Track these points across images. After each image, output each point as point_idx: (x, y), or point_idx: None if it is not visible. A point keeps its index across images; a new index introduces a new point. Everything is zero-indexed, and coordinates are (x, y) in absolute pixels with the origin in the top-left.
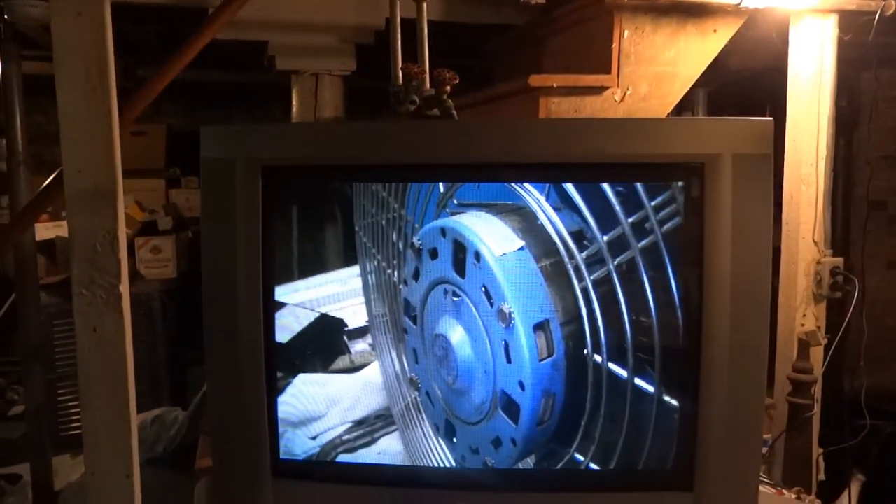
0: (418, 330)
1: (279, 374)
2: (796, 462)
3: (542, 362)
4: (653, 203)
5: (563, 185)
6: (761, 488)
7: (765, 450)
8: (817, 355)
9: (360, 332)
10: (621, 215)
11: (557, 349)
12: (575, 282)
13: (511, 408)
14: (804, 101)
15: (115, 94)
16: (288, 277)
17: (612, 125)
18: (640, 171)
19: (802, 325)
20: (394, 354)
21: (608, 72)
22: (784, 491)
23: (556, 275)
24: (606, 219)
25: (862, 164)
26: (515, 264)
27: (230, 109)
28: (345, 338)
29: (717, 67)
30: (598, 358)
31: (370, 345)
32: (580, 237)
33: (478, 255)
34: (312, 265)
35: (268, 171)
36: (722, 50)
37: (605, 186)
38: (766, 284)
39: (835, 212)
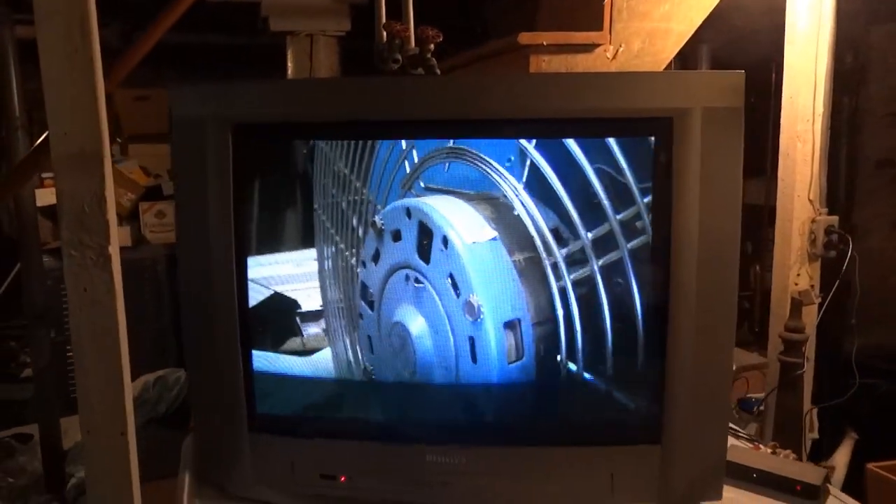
0: (374, 316)
1: (254, 333)
2: (787, 420)
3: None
4: (622, 162)
5: (535, 151)
6: (737, 442)
7: (757, 408)
8: (811, 314)
9: (314, 315)
10: (593, 177)
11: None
12: (550, 273)
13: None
14: (801, 55)
15: (98, 55)
16: (262, 240)
17: (579, 80)
18: (608, 126)
19: (796, 284)
20: (347, 341)
21: (599, 28)
22: (760, 445)
23: (530, 269)
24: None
25: (870, 121)
26: (488, 254)
27: (230, 73)
28: (300, 317)
29: (720, 23)
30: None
31: (323, 329)
32: (558, 231)
33: (445, 241)
34: (285, 227)
35: (238, 129)
36: (725, 5)
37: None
38: (735, 239)
39: (839, 170)
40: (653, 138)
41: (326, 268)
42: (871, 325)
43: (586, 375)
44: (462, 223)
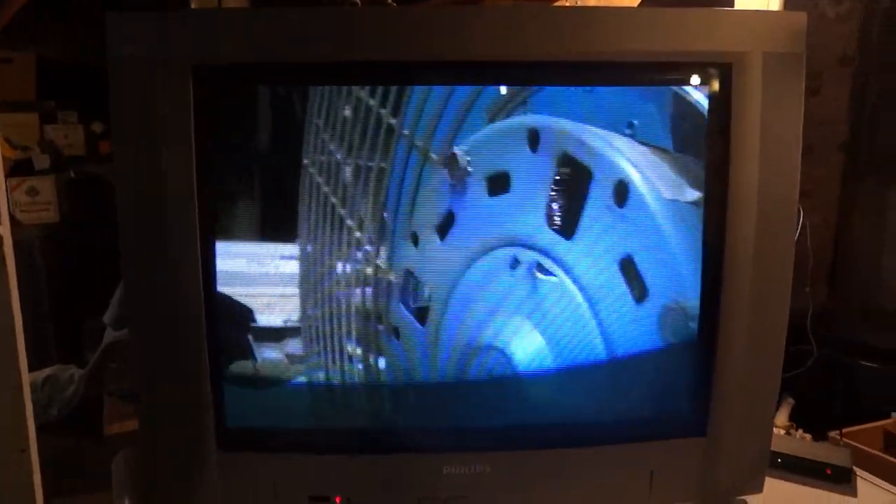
0: (430, 333)
1: (224, 330)
2: None
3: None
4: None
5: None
6: None
7: None
8: None
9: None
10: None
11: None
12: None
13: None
14: None
15: None
16: (233, 215)
17: (623, 16)
18: (659, 72)
19: None
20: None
21: None
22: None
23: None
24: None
25: None
26: (690, 223)
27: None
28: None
29: None
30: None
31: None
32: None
33: (625, 192)
34: (263, 199)
35: (200, 72)
36: None
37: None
38: (793, 206)
39: None
40: (709, 86)
41: (322, 254)
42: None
43: (629, 364)
44: (652, 169)
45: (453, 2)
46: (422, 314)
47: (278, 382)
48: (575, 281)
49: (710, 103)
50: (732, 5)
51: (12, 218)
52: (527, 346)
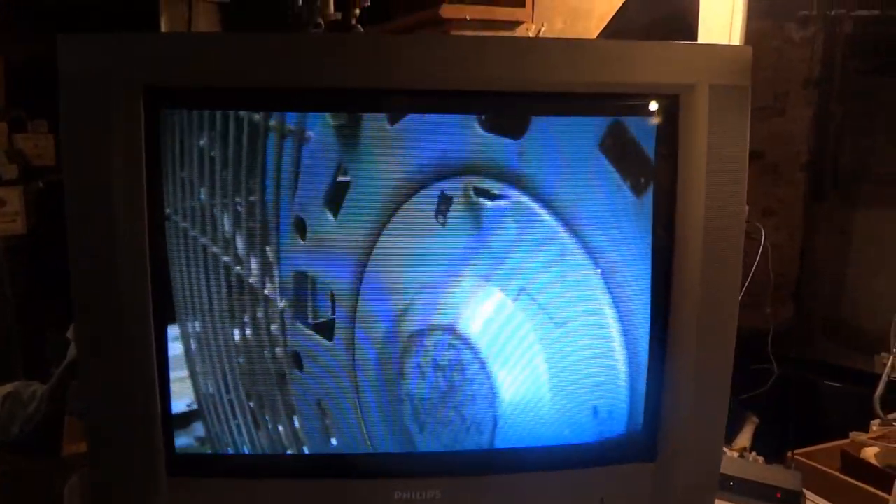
0: (343, 346)
1: (174, 355)
2: None
3: None
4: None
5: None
6: None
7: None
8: None
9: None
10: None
11: None
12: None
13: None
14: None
15: None
16: (183, 230)
17: (569, 48)
18: (605, 103)
19: None
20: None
21: (522, 5)
22: (725, 449)
23: None
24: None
25: None
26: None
27: None
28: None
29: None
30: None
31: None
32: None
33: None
34: (216, 216)
35: (153, 93)
36: None
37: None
38: (739, 236)
39: None
40: (657, 119)
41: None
42: (749, 310)
43: (577, 389)
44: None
45: (414, 28)
46: (326, 327)
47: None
48: (537, 196)
49: (656, 134)
50: (695, 36)
51: None
52: (483, 315)
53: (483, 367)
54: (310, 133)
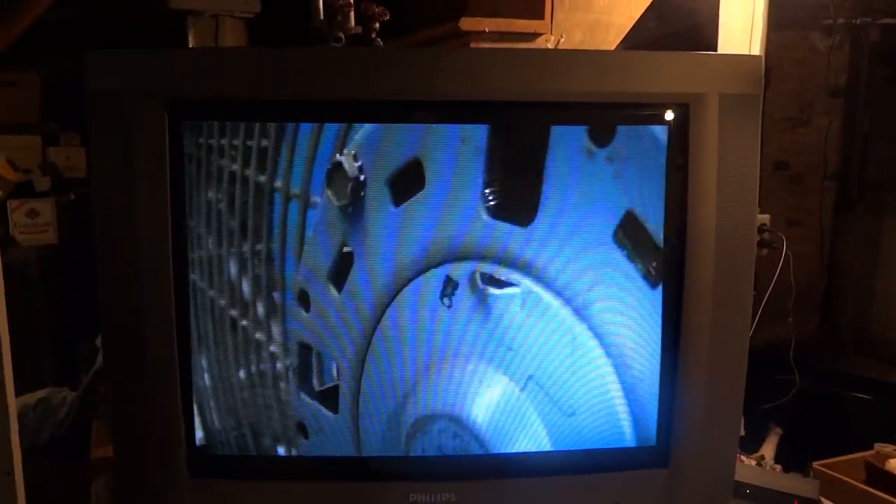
0: (347, 419)
1: (194, 359)
2: None
3: None
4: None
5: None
6: None
7: None
8: None
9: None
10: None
11: None
12: None
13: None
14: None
15: None
16: (203, 238)
17: (583, 58)
18: (615, 112)
19: None
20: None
21: (541, 17)
22: (744, 457)
23: None
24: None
25: (767, 124)
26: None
27: None
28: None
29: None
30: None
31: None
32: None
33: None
34: (235, 224)
35: (177, 107)
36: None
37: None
38: (751, 244)
39: None
40: (667, 127)
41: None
42: (774, 320)
43: (578, 395)
44: None
45: (434, 41)
46: (331, 398)
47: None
48: (545, 283)
49: (667, 143)
50: (715, 47)
51: (12, 239)
52: (491, 403)
53: (487, 454)
54: (315, 199)
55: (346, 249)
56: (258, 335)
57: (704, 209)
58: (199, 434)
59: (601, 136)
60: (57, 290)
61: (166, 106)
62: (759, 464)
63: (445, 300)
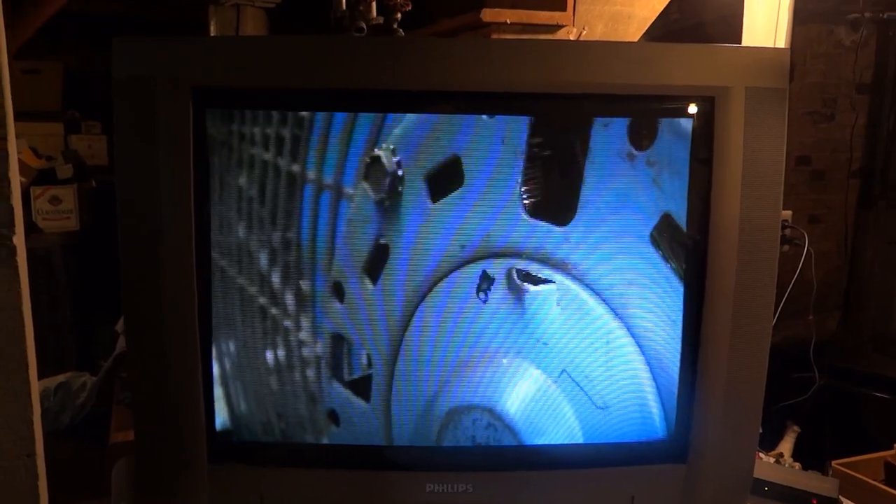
0: (378, 408)
1: (216, 345)
2: None
3: None
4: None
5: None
6: None
7: None
8: None
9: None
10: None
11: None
12: None
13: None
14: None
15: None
16: (228, 228)
17: (608, 49)
18: (641, 105)
19: None
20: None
21: (563, 9)
22: (762, 455)
23: None
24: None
25: (791, 119)
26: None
27: None
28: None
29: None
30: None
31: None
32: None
33: (647, 131)
34: (257, 210)
35: (201, 93)
36: None
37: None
38: (775, 237)
39: None
40: (692, 120)
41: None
42: (793, 317)
43: (611, 389)
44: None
45: (455, 32)
46: (363, 387)
47: (268, 391)
48: (583, 281)
49: (693, 136)
50: (740, 40)
51: (34, 226)
52: (524, 395)
53: (521, 445)
54: (349, 191)
55: (382, 241)
56: (286, 323)
57: (729, 204)
58: (219, 420)
59: (635, 134)
60: (79, 276)
61: (190, 93)
62: (777, 461)
63: (481, 294)
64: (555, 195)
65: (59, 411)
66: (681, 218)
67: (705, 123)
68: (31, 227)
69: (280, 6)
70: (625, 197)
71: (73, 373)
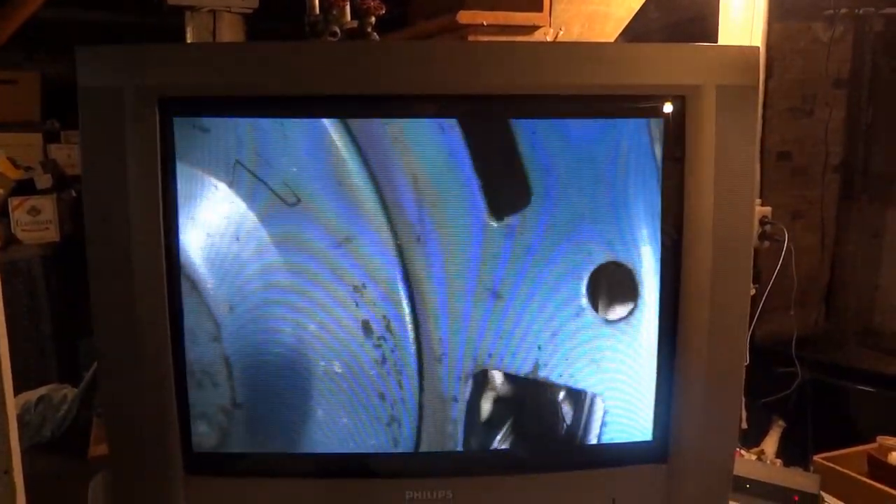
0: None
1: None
2: None
3: None
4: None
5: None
6: None
7: None
8: None
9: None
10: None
11: None
12: None
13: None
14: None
15: None
16: (196, 237)
17: (579, 50)
18: (611, 105)
19: None
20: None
21: (539, 9)
22: (743, 452)
23: None
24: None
25: (771, 115)
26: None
27: None
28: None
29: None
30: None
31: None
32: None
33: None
34: (228, 221)
35: (167, 103)
36: None
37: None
38: (749, 236)
39: None
40: (662, 119)
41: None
42: (776, 313)
43: (589, 390)
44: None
45: (431, 34)
46: (340, 395)
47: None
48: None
49: (664, 135)
50: (716, 39)
51: (14, 237)
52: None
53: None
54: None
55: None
56: (258, 334)
57: (702, 202)
58: (195, 431)
59: (605, 135)
60: (59, 288)
61: (156, 102)
62: (759, 458)
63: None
64: (516, 194)
65: (40, 424)
66: (654, 217)
67: (677, 123)
68: (10, 239)
69: (256, 12)
70: (597, 197)
71: (54, 385)
